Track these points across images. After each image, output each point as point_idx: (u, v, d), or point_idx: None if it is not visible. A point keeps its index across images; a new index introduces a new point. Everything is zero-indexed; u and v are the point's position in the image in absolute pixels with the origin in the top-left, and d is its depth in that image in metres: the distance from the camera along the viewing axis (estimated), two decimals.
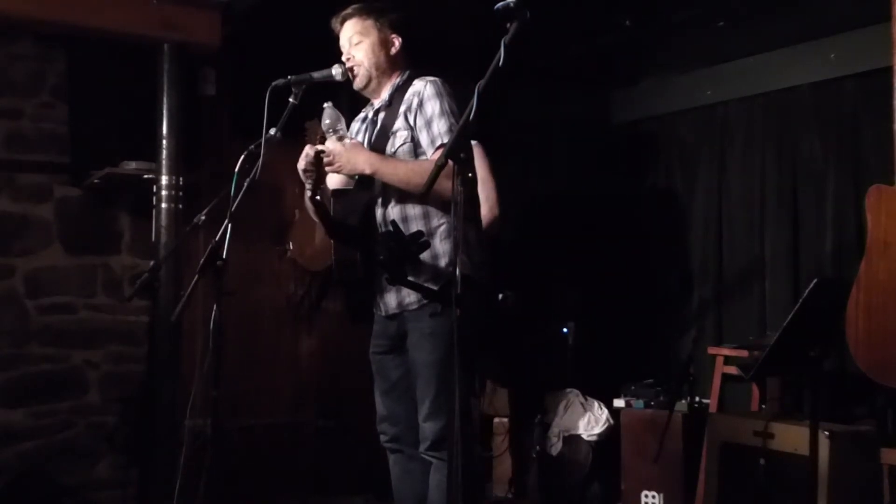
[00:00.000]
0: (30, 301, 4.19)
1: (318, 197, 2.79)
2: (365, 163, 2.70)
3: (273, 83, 2.76)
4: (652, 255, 5.29)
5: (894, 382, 3.13)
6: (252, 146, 2.74)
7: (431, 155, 2.71)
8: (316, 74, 2.81)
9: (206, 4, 4.08)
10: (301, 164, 2.77)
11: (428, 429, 2.72)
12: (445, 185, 2.48)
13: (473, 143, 3.96)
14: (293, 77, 2.77)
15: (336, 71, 2.82)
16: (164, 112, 4.09)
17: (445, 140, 2.69)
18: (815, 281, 3.00)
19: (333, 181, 2.91)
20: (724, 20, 4.47)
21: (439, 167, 2.13)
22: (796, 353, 3.01)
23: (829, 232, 4.34)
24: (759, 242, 4.70)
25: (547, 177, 5.49)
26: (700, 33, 4.65)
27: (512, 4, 2.10)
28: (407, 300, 2.76)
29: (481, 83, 2.20)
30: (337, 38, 2.92)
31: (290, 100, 2.77)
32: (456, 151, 2.13)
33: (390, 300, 2.80)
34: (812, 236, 4.44)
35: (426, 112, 2.76)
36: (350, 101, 3.20)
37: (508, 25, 2.12)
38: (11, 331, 4.14)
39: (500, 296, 4.39)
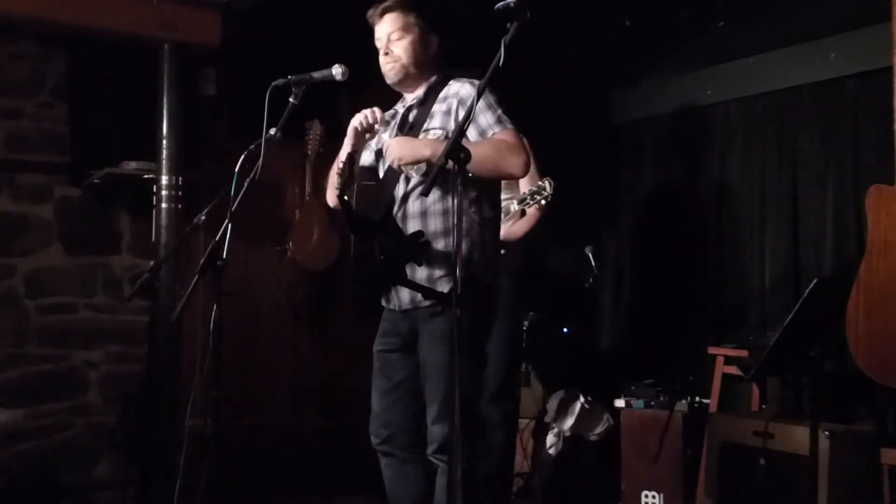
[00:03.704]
0: (30, 301, 4.20)
1: (346, 197, 2.77)
2: (423, 147, 2.66)
3: (273, 83, 2.76)
4: (652, 255, 5.29)
5: (894, 382, 3.12)
6: (252, 146, 2.74)
7: None
8: (316, 74, 2.81)
9: (206, 4, 4.07)
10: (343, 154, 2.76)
11: (437, 431, 2.68)
12: (513, 161, 2.58)
13: None
14: (293, 77, 2.77)
15: (336, 71, 2.81)
16: (164, 112, 4.09)
17: (496, 129, 2.68)
18: (815, 281, 3.00)
19: (366, 160, 2.93)
20: (724, 20, 4.47)
21: (440, 167, 2.13)
22: (796, 353, 3.01)
23: (829, 232, 4.34)
24: (759, 242, 4.70)
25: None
26: (700, 33, 4.65)
27: (512, 4, 2.10)
28: (420, 296, 2.72)
29: (481, 83, 2.21)
30: (370, 30, 2.87)
31: (291, 100, 2.77)
32: (456, 151, 2.13)
33: (404, 296, 2.76)
34: (812, 236, 4.44)
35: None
36: (350, 101, 3.21)
37: (508, 25, 2.12)
38: (11, 331, 4.14)
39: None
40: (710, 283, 4.93)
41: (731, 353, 4.22)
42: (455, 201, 2.16)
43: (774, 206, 4.63)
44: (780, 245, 4.57)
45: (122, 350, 4.38)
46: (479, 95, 2.21)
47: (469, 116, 2.24)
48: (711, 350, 4.32)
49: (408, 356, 2.80)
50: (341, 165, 2.74)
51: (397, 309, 2.81)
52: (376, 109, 2.78)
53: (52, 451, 4.17)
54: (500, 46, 2.09)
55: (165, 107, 4.09)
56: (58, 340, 4.24)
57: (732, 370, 4.20)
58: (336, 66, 2.82)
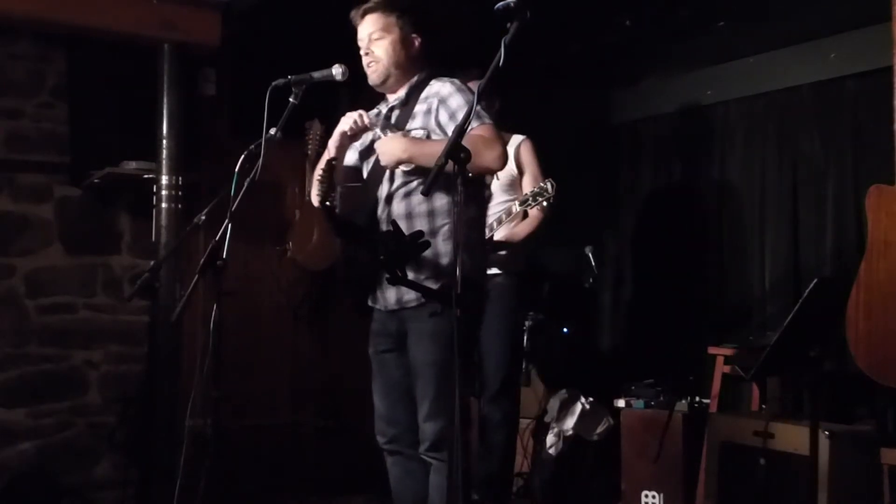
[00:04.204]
0: (30, 301, 4.20)
1: (327, 203, 2.79)
2: (401, 151, 2.69)
3: (273, 83, 2.76)
4: (652, 255, 5.29)
5: (894, 382, 3.12)
6: (252, 146, 2.74)
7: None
8: (316, 74, 2.81)
9: (206, 4, 4.08)
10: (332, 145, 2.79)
11: (428, 429, 2.70)
12: (489, 156, 2.57)
13: (522, 138, 3.99)
14: (293, 77, 2.77)
15: (336, 71, 2.82)
16: (164, 112, 4.09)
17: (474, 125, 2.68)
18: (815, 281, 2.99)
19: (350, 160, 2.94)
20: (724, 20, 4.47)
21: (439, 167, 2.13)
22: (796, 353, 3.00)
23: (829, 232, 4.34)
24: (759, 242, 4.70)
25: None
26: (700, 33, 4.65)
27: (512, 4, 2.10)
28: (406, 297, 2.74)
29: (481, 83, 2.21)
30: (354, 31, 2.89)
31: (291, 100, 2.77)
32: (456, 151, 2.13)
33: (390, 296, 2.79)
34: (812, 236, 4.44)
35: (450, 106, 2.74)
36: (350, 101, 3.21)
37: (508, 25, 2.12)
38: (11, 331, 4.14)
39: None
40: (710, 283, 4.92)
41: (731, 352, 4.22)
42: (457, 200, 2.16)
43: (774, 206, 4.63)
44: (780, 245, 4.57)
45: (122, 350, 4.39)
46: (478, 96, 2.21)
47: (468, 117, 2.23)
48: (711, 350, 4.32)
49: (400, 356, 2.82)
50: (321, 173, 2.75)
51: (384, 309, 2.84)
52: (363, 113, 2.79)
53: (52, 451, 4.17)
54: (500, 46, 2.09)
55: (165, 107, 4.10)
56: (58, 340, 4.24)
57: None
58: (336, 66, 2.82)
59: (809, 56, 4.45)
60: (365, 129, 2.80)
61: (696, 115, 5.11)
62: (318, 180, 2.75)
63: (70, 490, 4.13)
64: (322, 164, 2.78)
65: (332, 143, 2.82)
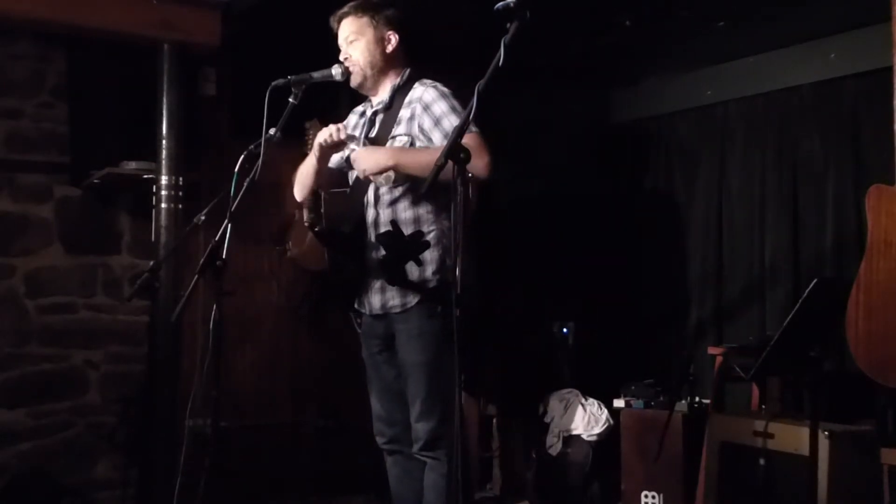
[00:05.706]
0: (30, 301, 4.20)
1: (316, 229, 2.83)
2: (387, 157, 2.70)
3: (273, 83, 2.76)
4: (652, 255, 5.29)
5: (894, 382, 3.12)
6: (252, 146, 2.75)
7: None
8: (316, 74, 2.81)
9: (206, 4, 4.08)
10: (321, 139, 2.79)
11: (421, 429, 2.72)
12: (478, 164, 2.54)
13: None
14: (293, 77, 2.77)
15: (335, 71, 2.82)
16: (164, 112, 4.09)
17: None
18: (815, 281, 2.99)
19: (334, 162, 2.96)
20: (724, 20, 4.47)
21: (439, 167, 2.13)
22: (796, 353, 3.00)
23: (829, 232, 4.34)
24: (759, 242, 4.70)
25: (547, 177, 5.50)
26: (700, 33, 4.65)
27: (512, 4, 2.10)
28: (391, 302, 2.76)
29: (481, 83, 2.20)
30: (336, 38, 2.92)
31: (290, 100, 2.77)
32: (456, 151, 2.13)
33: (374, 301, 2.81)
34: (812, 236, 4.44)
35: (434, 113, 2.75)
36: (350, 100, 3.21)
37: (508, 25, 2.12)
38: (11, 331, 4.14)
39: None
40: (709, 282, 4.92)
41: (731, 352, 4.21)
42: (458, 200, 2.16)
43: (774, 207, 4.63)
44: (780, 245, 4.57)
45: (122, 350, 4.38)
46: (477, 96, 2.21)
47: (468, 119, 2.23)
48: (711, 350, 4.32)
49: (392, 356, 2.84)
50: (309, 203, 2.78)
51: (369, 313, 2.85)
52: (341, 126, 2.80)
53: (52, 451, 4.17)
54: (500, 46, 2.08)
55: (165, 107, 4.09)
56: (58, 340, 4.24)
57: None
58: (336, 66, 2.83)
59: (809, 56, 4.45)
60: (337, 144, 2.80)
61: (695, 115, 5.12)
62: (306, 208, 2.77)
63: (70, 490, 4.13)
64: (311, 157, 2.82)
65: (315, 150, 2.84)
